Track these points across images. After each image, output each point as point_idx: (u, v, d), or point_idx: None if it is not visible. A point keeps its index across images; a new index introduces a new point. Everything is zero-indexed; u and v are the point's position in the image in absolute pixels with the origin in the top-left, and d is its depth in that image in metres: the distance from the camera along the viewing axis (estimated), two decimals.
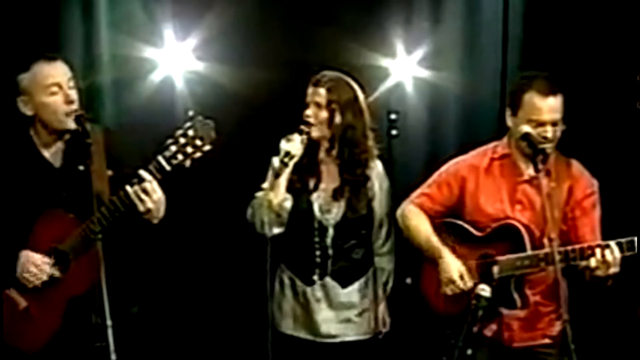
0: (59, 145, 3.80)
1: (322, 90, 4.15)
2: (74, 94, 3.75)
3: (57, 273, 3.73)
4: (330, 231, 4.22)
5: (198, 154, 3.57)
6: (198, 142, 3.55)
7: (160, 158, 3.60)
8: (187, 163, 3.58)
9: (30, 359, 3.78)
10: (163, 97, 4.89)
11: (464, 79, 5.04)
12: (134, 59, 4.84)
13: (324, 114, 4.15)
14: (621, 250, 3.71)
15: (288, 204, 4.11)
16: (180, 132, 3.57)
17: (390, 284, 4.33)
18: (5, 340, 3.81)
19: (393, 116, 4.72)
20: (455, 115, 5.08)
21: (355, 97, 4.21)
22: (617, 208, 4.08)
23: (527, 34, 4.91)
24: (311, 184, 4.16)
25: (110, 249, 3.64)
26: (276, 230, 4.11)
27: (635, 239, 3.70)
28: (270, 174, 4.18)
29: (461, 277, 3.95)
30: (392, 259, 4.33)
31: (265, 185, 4.14)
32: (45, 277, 3.74)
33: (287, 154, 4.03)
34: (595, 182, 3.99)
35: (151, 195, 3.62)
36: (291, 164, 4.05)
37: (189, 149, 3.56)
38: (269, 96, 4.78)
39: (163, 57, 4.92)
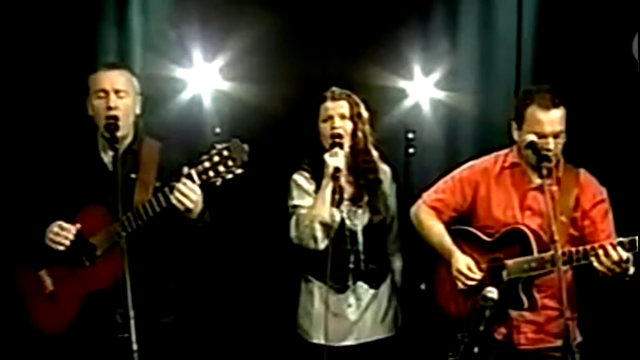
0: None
1: (344, 103, 4.37)
2: (118, 103, 3.95)
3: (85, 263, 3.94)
4: (360, 236, 4.42)
5: (229, 175, 3.69)
6: (230, 163, 3.68)
7: (192, 171, 3.75)
8: (218, 182, 3.73)
9: (56, 345, 4.02)
10: (192, 114, 5.10)
11: (478, 100, 5.17)
12: (165, 78, 5.05)
13: (349, 126, 4.37)
14: (623, 249, 3.83)
15: (338, 217, 4.29)
16: (215, 150, 3.71)
17: (399, 281, 4.55)
18: (28, 315, 4.08)
19: (410, 135, 5.12)
20: (470, 135, 5.19)
21: (361, 108, 4.44)
22: (620, 208, 4.17)
23: (539, 55, 5.03)
24: (337, 195, 4.26)
25: (142, 257, 3.91)
26: (326, 243, 4.28)
27: (637, 238, 3.83)
28: (295, 190, 4.40)
29: (469, 268, 4.10)
30: (400, 257, 4.56)
31: (303, 202, 4.35)
32: (68, 241, 3.91)
33: (337, 169, 4.22)
34: (603, 190, 4.12)
35: (189, 195, 3.76)
36: (342, 180, 4.25)
37: (221, 168, 3.69)
38: (291, 112, 4.90)
39: (192, 77, 5.12)
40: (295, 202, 4.41)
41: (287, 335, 4.59)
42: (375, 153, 4.51)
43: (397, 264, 4.57)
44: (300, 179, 4.45)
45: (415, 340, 4.69)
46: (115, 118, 3.94)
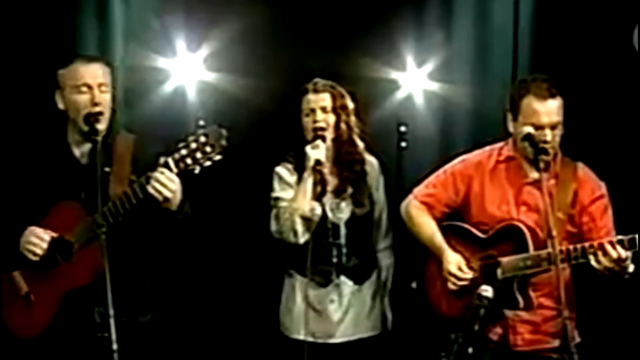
0: (89, 145, 3.94)
1: (327, 95, 4.39)
2: (102, 97, 3.90)
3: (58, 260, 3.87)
4: (343, 229, 4.43)
5: (207, 162, 3.63)
6: (208, 149, 3.62)
7: (169, 160, 3.68)
8: (196, 169, 3.66)
9: (33, 346, 3.93)
10: (175, 106, 5.07)
11: (474, 92, 5.15)
12: (147, 69, 5.02)
13: (332, 118, 4.38)
14: (623, 248, 3.78)
15: (319, 210, 4.32)
16: (192, 137, 3.65)
17: (390, 281, 4.54)
18: (3, 320, 3.99)
19: (403, 128, 5.04)
20: (465, 128, 5.17)
21: (345, 99, 4.45)
22: (620, 203, 4.15)
23: (536, 44, 5.01)
24: (319, 187, 4.31)
25: (120, 253, 3.81)
26: (306, 237, 4.32)
27: (637, 236, 3.77)
28: (277, 182, 4.43)
29: (459, 268, 4.07)
30: (390, 254, 4.56)
31: (285, 195, 4.38)
32: (42, 250, 3.86)
33: (318, 161, 4.26)
34: (602, 185, 4.08)
35: (167, 185, 3.69)
36: (325, 171, 4.31)
37: (199, 155, 3.63)
38: (277, 105, 4.87)
39: (175, 68, 5.09)
40: (277, 194, 4.43)
41: (269, 333, 4.60)
42: (361, 144, 4.51)
43: (386, 261, 4.56)
44: (283, 170, 4.47)
45: (406, 340, 4.68)
46: (100, 113, 3.90)
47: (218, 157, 3.64)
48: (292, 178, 4.43)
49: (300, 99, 4.42)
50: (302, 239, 4.32)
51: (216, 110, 5.01)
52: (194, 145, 3.65)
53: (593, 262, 3.82)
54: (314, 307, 4.40)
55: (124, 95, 4.83)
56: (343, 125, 4.41)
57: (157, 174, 3.70)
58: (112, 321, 3.53)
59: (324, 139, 4.32)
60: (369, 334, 4.48)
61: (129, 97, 4.88)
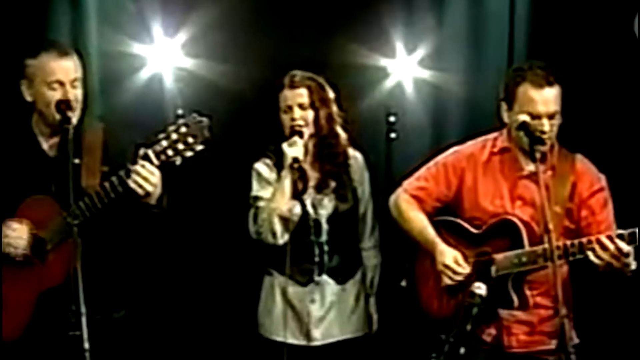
0: (57, 138, 3.93)
1: (304, 91, 4.34)
2: (74, 93, 3.89)
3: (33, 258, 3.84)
4: (325, 226, 4.38)
5: (189, 153, 3.65)
6: (190, 140, 3.64)
7: (149, 151, 3.68)
8: (178, 161, 3.67)
9: (9, 349, 3.89)
10: (152, 94, 4.98)
11: (467, 80, 5.09)
12: (122, 55, 4.94)
13: (310, 114, 4.34)
14: (622, 242, 3.72)
15: (298, 209, 4.30)
16: (173, 127, 3.66)
17: (376, 280, 4.50)
18: None
19: (392, 119, 4.95)
20: (458, 118, 5.11)
21: (325, 91, 4.41)
22: (621, 200, 4.12)
23: (534, 31, 4.96)
24: (300, 184, 4.28)
25: (91, 248, 3.79)
26: (286, 237, 4.29)
27: (637, 230, 3.73)
28: (255, 179, 4.40)
29: (456, 261, 4.02)
30: (377, 254, 4.52)
31: (263, 193, 4.35)
32: (24, 241, 3.84)
33: (296, 159, 4.23)
34: (602, 178, 4.04)
35: (149, 178, 3.70)
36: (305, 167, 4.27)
37: (180, 146, 3.65)
38: (260, 93, 4.75)
39: (152, 54, 5.00)
40: (255, 193, 4.41)
41: (247, 333, 4.56)
42: (343, 135, 4.48)
43: (372, 261, 4.52)
44: (262, 167, 4.45)
45: (395, 341, 4.64)
46: (72, 108, 3.89)
47: (200, 147, 3.65)
48: (271, 175, 4.40)
49: (276, 94, 4.38)
50: (282, 239, 4.30)
51: (194, 98, 4.93)
52: (175, 136, 3.66)
53: (593, 258, 3.77)
54: (294, 308, 4.38)
55: (98, 84, 4.82)
56: (323, 120, 4.37)
57: (138, 167, 3.70)
58: (84, 319, 3.50)
59: (301, 134, 4.29)
60: (353, 335, 4.44)
61: (103, 85, 4.85)
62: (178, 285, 5.02)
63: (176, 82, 5.02)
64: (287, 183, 4.25)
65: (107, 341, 3.85)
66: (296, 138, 4.26)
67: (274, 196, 4.29)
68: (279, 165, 4.36)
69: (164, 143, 3.67)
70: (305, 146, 4.33)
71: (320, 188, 4.39)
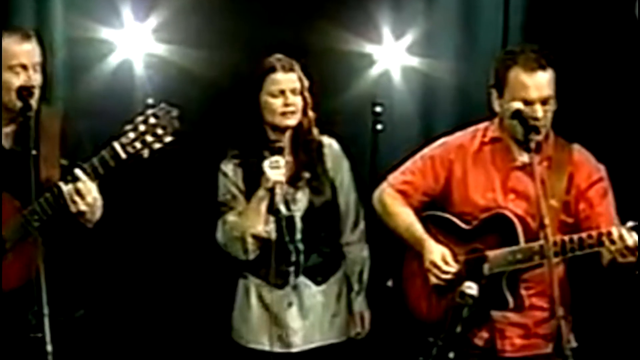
0: (14, 126, 3.89)
1: (295, 76, 4.28)
2: (36, 78, 3.85)
3: None
4: (299, 224, 4.29)
5: (158, 145, 3.62)
6: (159, 131, 3.62)
7: (115, 144, 3.65)
8: (145, 153, 3.64)
9: None
10: (121, 81, 4.93)
11: (459, 67, 5.04)
12: (89, 41, 4.87)
13: (300, 101, 4.27)
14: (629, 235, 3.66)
15: (271, 226, 4.22)
16: (140, 118, 3.63)
17: (365, 275, 4.41)
18: None
19: (378, 109, 4.87)
20: (449, 108, 5.05)
21: (306, 78, 4.34)
22: (623, 192, 4.06)
23: (530, 14, 4.92)
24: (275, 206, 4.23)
25: (51, 248, 3.78)
26: (257, 253, 4.24)
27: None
28: (221, 182, 4.31)
29: (444, 259, 3.95)
30: (363, 247, 4.42)
31: (230, 200, 4.28)
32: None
33: (277, 182, 4.14)
34: (601, 168, 3.98)
35: (85, 197, 3.68)
36: (278, 191, 4.18)
37: (149, 138, 3.62)
38: (235, 81, 4.74)
39: (121, 39, 4.95)
40: (221, 198, 4.35)
41: (221, 341, 4.51)
42: (314, 130, 4.42)
43: (358, 254, 4.42)
44: (227, 167, 4.37)
45: (380, 345, 4.61)
46: (34, 87, 3.87)
47: (169, 139, 3.65)
48: (237, 176, 4.32)
49: (263, 77, 4.28)
50: (253, 255, 4.26)
51: (166, 86, 4.88)
52: (143, 128, 3.64)
53: (604, 253, 3.71)
54: (270, 312, 4.32)
55: (64, 70, 4.79)
56: (310, 113, 4.33)
57: (72, 185, 3.70)
58: (46, 321, 3.48)
59: (281, 152, 4.20)
60: (336, 340, 4.37)
61: (69, 72, 4.79)
62: (149, 285, 4.97)
63: (147, 69, 4.97)
64: (263, 206, 4.18)
65: (69, 342, 3.79)
66: (278, 158, 4.16)
67: (248, 214, 4.21)
68: (245, 164, 4.29)
69: (131, 135, 3.64)
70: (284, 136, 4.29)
71: (293, 180, 4.30)
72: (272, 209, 4.20)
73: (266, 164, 4.16)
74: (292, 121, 4.26)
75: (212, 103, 4.91)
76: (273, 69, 4.26)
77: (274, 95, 4.25)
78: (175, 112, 3.64)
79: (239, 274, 4.40)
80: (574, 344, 3.94)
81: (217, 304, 4.60)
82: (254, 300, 4.33)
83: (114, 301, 4.84)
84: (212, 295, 4.77)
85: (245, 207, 4.25)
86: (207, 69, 4.92)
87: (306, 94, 4.30)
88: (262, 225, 4.20)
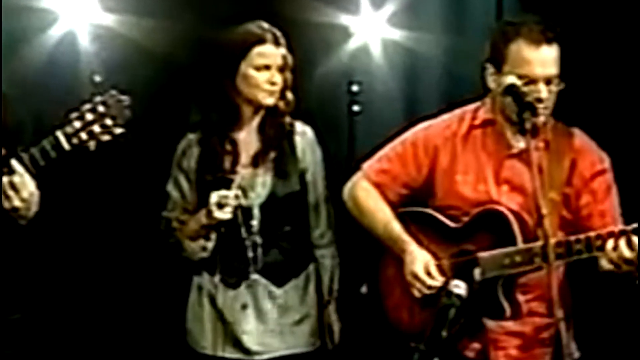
0: None
1: (283, 51, 4.10)
2: None
3: None
4: (256, 212, 4.12)
5: (106, 137, 3.60)
6: (108, 122, 3.59)
7: (59, 134, 3.58)
8: (92, 145, 3.60)
9: None
10: (64, 56, 4.78)
11: (446, 41, 4.97)
12: (28, 10, 4.70)
13: (280, 80, 4.10)
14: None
15: (214, 235, 4.09)
16: (88, 106, 3.59)
17: (336, 284, 4.27)
18: None
19: (355, 88, 4.85)
20: (435, 88, 4.99)
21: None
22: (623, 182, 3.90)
23: None
24: (227, 163, 4.06)
25: None
26: (204, 254, 4.12)
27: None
28: (173, 182, 4.16)
29: (427, 271, 3.76)
30: (334, 252, 4.29)
31: (174, 194, 4.15)
32: None
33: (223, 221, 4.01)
34: (605, 158, 3.80)
35: (20, 192, 3.58)
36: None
37: (96, 129, 3.59)
38: (194, 56, 4.62)
39: (64, 8, 4.78)
40: (168, 188, 4.21)
41: (175, 346, 4.38)
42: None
43: (329, 261, 4.27)
44: (182, 143, 4.20)
45: (355, 353, 4.48)
46: None
47: (120, 131, 3.62)
48: (190, 157, 4.13)
49: (250, 48, 4.05)
50: (199, 256, 4.11)
51: (115, 62, 4.74)
52: (90, 117, 3.59)
53: (604, 261, 3.52)
54: (222, 314, 4.16)
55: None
56: (289, 94, 4.13)
57: (6, 178, 3.60)
58: None
59: (229, 185, 4.01)
60: (302, 349, 4.21)
61: (6, 44, 4.53)
62: (94, 286, 4.86)
63: (93, 42, 4.82)
64: (204, 228, 4.04)
65: (3, 348, 3.77)
66: (227, 193, 3.98)
67: (188, 225, 4.09)
68: (204, 142, 4.11)
69: (77, 124, 3.57)
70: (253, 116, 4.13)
71: (256, 160, 4.13)
72: (203, 175, 4.09)
73: (213, 199, 4.00)
74: (271, 100, 4.07)
75: (168, 81, 4.79)
76: (262, 41, 4.07)
77: (258, 69, 4.07)
78: (127, 101, 3.60)
79: (192, 270, 4.27)
80: (576, 354, 3.82)
81: (171, 305, 4.47)
82: (205, 300, 4.20)
83: (53, 304, 4.75)
84: (165, 295, 4.67)
85: (188, 218, 4.12)
86: (162, 41, 4.78)
87: (289, 73, 4.14)
88: (202, 241, 4.08)
